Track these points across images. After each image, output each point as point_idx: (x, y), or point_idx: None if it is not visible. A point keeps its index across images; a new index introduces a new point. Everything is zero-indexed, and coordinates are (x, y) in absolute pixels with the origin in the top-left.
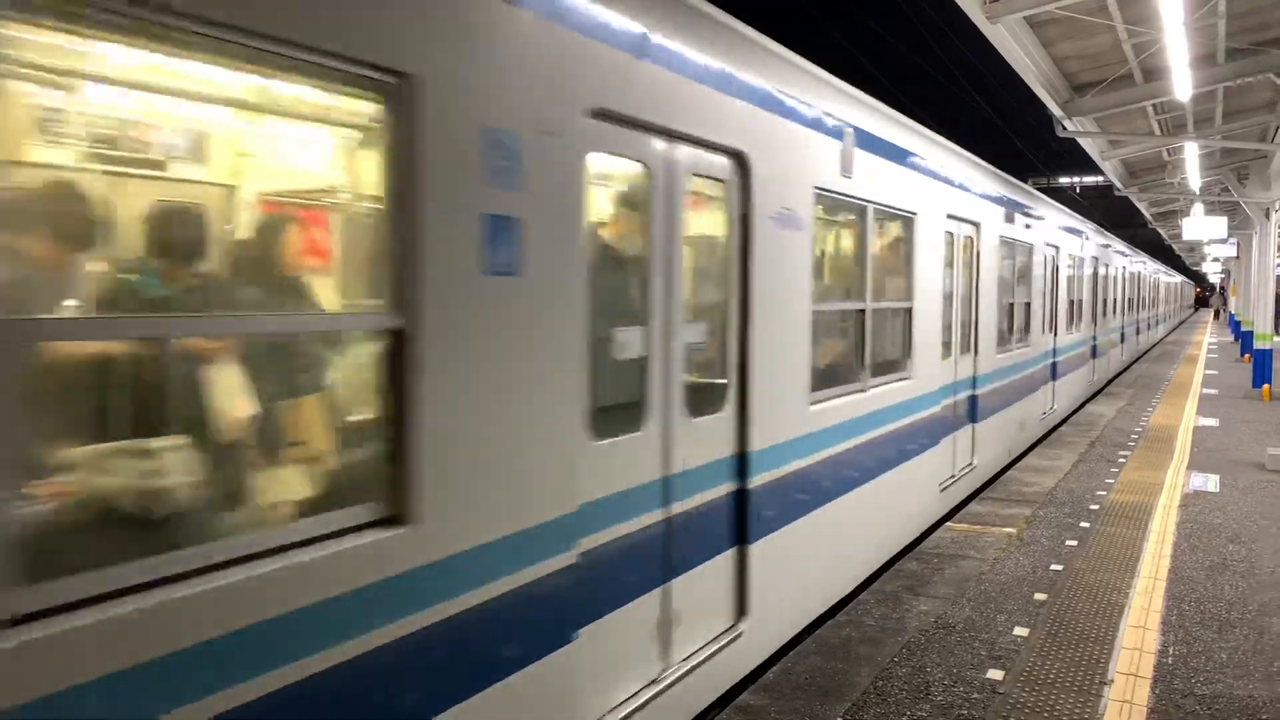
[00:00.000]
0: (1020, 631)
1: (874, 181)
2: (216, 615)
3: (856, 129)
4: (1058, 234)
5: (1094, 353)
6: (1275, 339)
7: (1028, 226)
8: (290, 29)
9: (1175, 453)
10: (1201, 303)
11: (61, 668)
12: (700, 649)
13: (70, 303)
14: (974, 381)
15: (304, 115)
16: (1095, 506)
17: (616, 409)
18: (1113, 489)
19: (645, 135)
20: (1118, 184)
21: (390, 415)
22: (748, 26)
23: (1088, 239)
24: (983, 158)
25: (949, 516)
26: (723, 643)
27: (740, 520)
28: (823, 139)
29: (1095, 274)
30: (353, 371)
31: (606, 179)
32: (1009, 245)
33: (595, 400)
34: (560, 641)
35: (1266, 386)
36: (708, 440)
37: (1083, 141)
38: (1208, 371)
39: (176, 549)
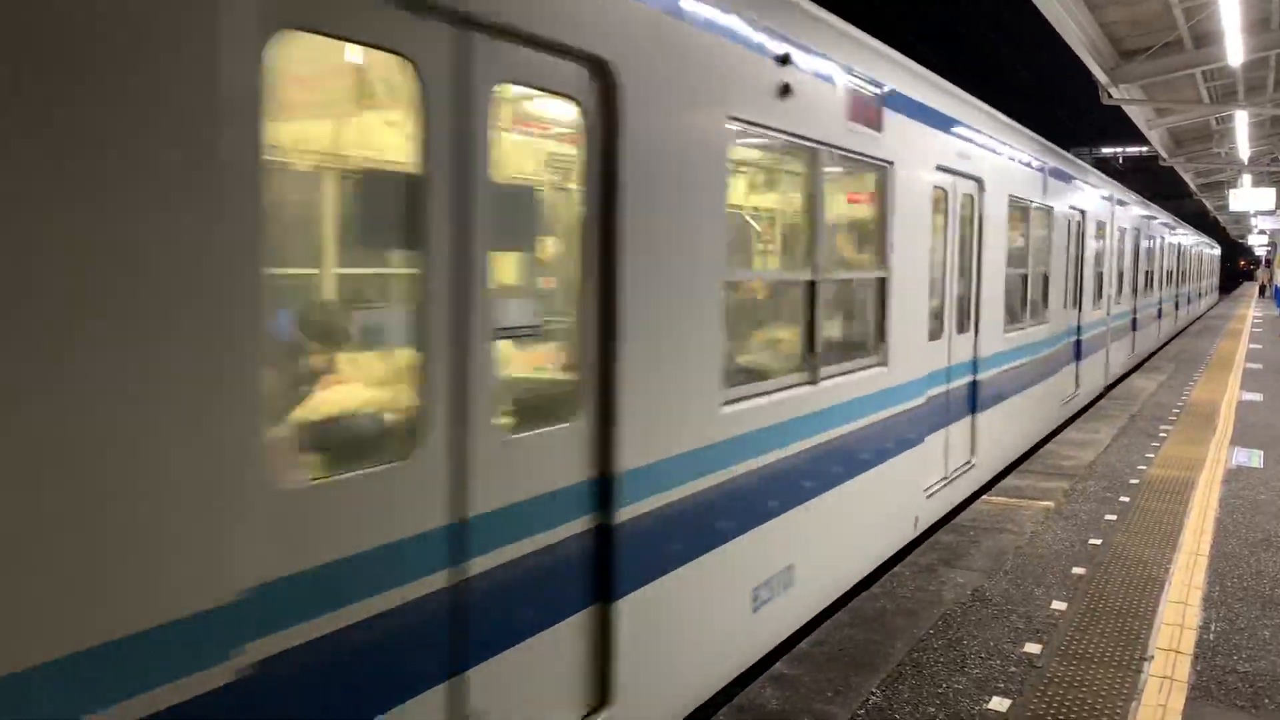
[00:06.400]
0: (1058, 605)
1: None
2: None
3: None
4: (1128, 214)
5: (1159, 314)
6: None
7: (1118, 205)
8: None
9: (1218, 428)
10: (1246, 276)
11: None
12: (958, 468)
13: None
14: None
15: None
16: (1135, 481)
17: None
18: (1153, 463)
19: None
20: (1163, 153)
21: (879, 320)
22: (872, 36)
23: (1144, 214)
24: (1027, 125)
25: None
26: (966, 469)
27: (973, 399)
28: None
29: (1160, 248)
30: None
31: None
32: (1102, 227)
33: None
34: (917, 442)
35: None
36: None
37: (1129, 109)
38: (1252, 346)
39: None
